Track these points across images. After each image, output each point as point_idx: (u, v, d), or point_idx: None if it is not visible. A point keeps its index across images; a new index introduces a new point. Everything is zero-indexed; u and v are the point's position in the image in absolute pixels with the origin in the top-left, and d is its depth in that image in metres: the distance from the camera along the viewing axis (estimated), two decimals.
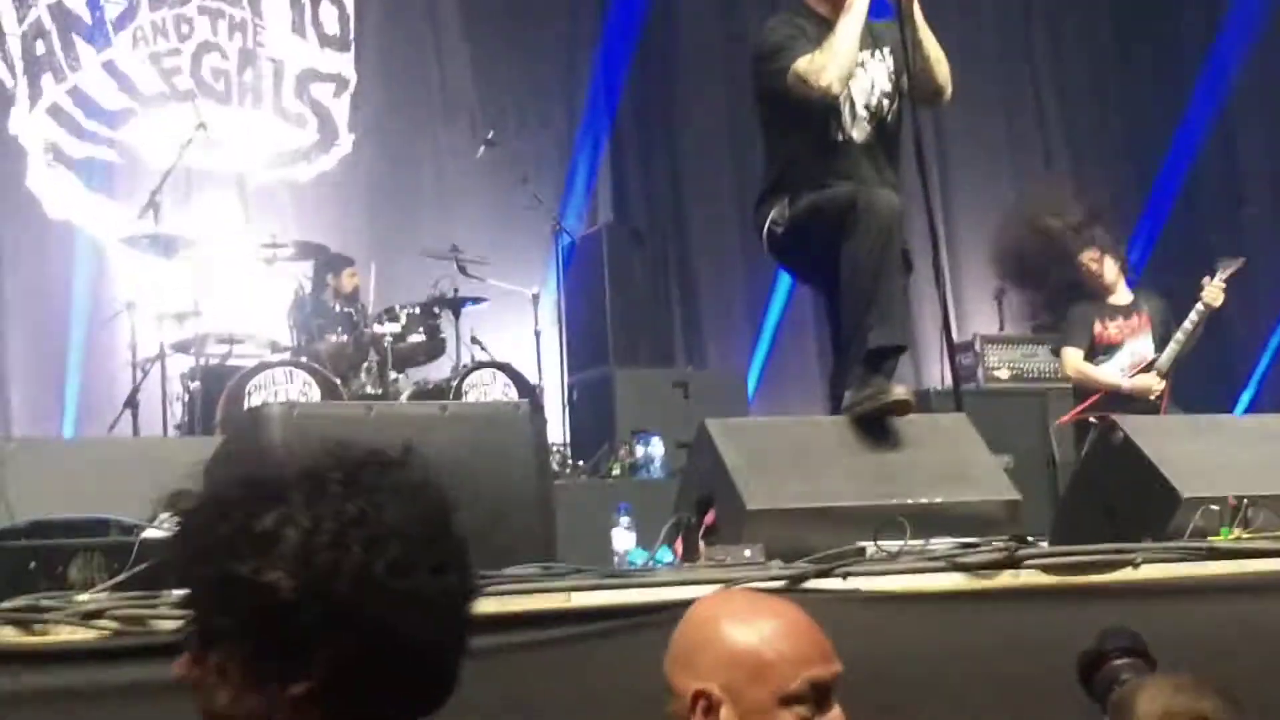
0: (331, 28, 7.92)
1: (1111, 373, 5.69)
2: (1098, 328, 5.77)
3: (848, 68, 3.77)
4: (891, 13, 3.86)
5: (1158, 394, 5.61)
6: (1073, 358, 5.79)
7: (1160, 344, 5.70)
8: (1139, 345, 5.73)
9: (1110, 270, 5.81)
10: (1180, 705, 1.84)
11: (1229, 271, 5.73)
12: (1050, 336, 7.31)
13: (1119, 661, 2.08)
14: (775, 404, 8.22)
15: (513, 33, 8.30)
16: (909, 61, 3.85)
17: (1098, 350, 5.77)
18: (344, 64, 7.93)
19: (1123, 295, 5.82)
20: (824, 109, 3.81)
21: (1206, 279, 5.70)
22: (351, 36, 7.95)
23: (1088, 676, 2.13)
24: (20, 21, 7.20)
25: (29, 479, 3.49)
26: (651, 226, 8.26)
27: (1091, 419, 5.31)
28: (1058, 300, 6.02)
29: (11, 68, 7.14)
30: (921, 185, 3.92)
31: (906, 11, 3.82)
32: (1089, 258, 5.81)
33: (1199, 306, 5.64)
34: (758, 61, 3.92)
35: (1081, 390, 5.83)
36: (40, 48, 7.25)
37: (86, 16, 7.33)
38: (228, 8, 7.65)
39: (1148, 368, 5.65)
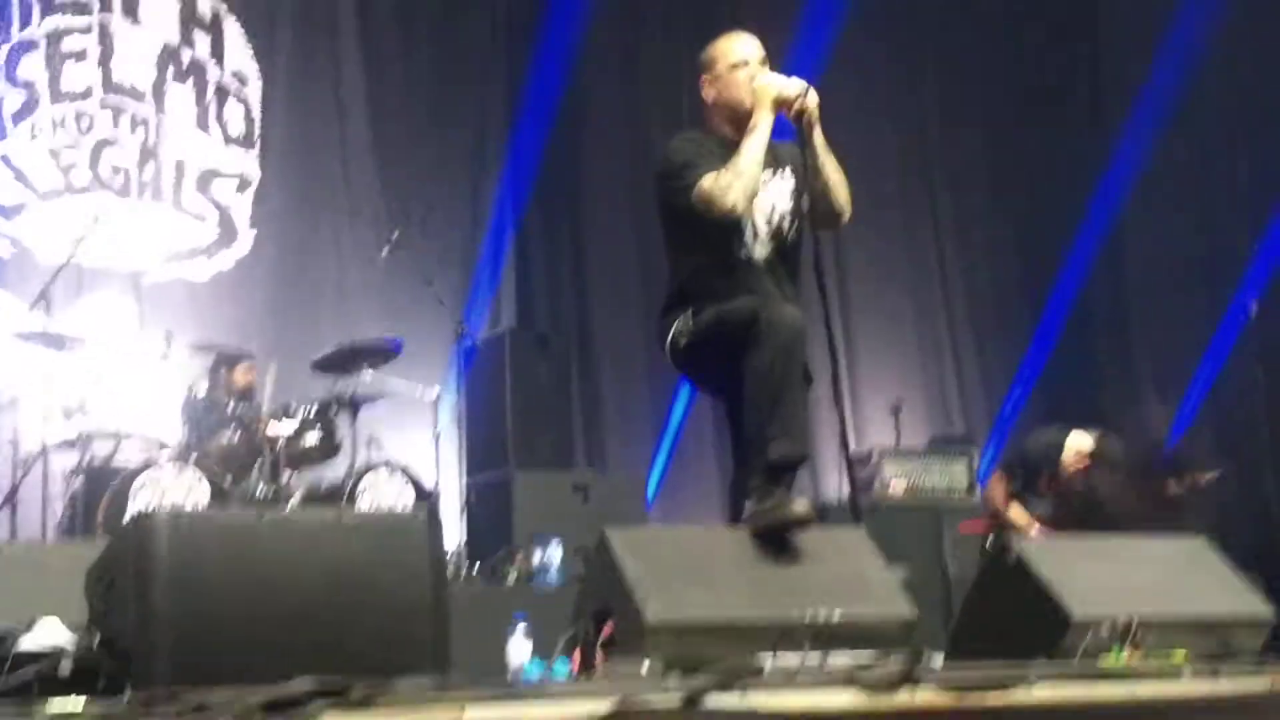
0: (236, 126, 7.90)
1: (1028, 519, 5.74)
2: (1043, 483, 5.84)
3: (752, 187, 3.82)
4: (793, 135, 3.94)
5: None
6: (1003, 488, 5.86)
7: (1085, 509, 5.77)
8: (1065, 504, 5.80)
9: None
10: None
11: (1203, 478, 5.83)
12: (945, 449, 7.44)
13: None
14: (675, 508, 8.25)
15: (420, 134, 8.36)
16: (809, 184, 3.92)
17: (1035, 489, 5.84)
18: (248, 162, 7.90)
19: None
20: (726, 226, 3.86)
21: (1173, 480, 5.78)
22: (256, 135, 7.94)
23: None
24: None
25: None
26: (555, 330, 8.29)
27: (990, 537, 5.41)
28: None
29: None
30: (821, 301, 3.96)
31: (807, 135, 3.88)
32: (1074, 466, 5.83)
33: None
34: (662, 179, 3.95)
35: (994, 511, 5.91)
36: None
37: None
38: (131, 103, 7.58)
39: (1066, 526, 5.69)
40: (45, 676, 2.64)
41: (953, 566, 6.18)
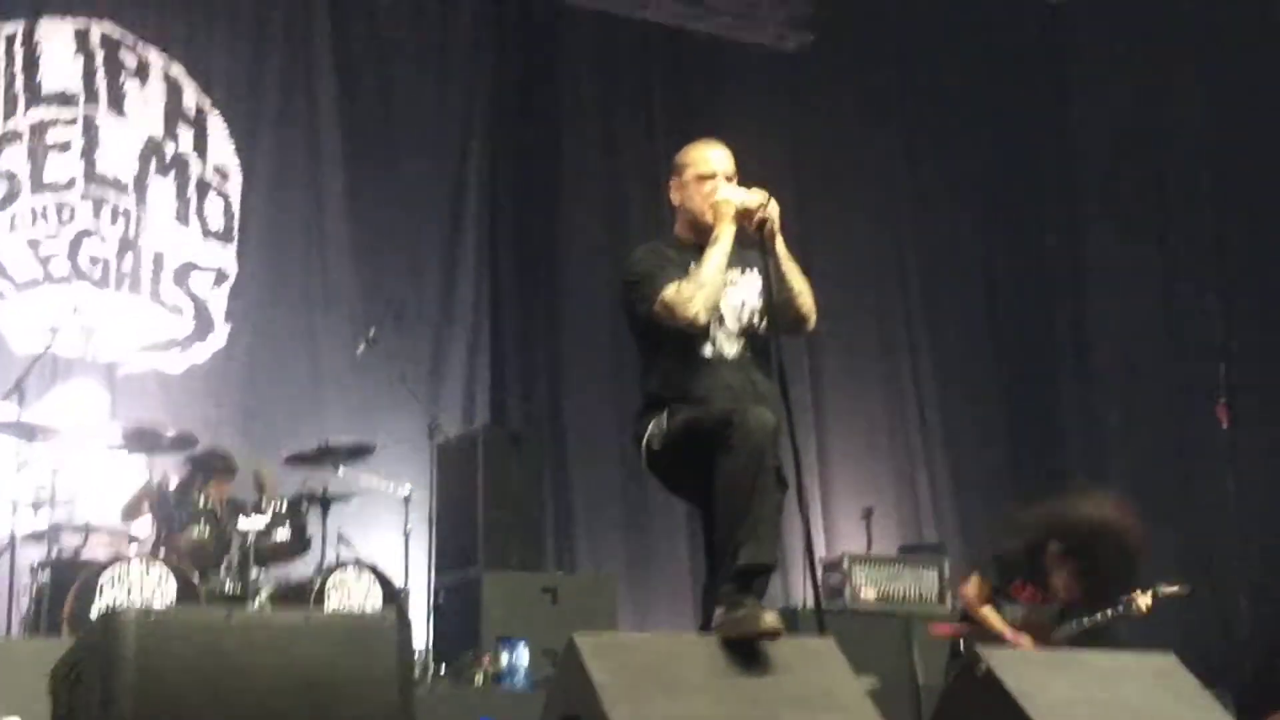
0: (216, 221, 7.95)
1: (1002, 623, 5.66)
2: (1017, 587, 5.73)
3: (714, 298, 3.86)
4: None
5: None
6: (978, 588, 5.79)
7: (1059, 616, 5.68)
8: (1038, 612, 5.73)
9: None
10: None
11: (1166, 594, 5.78)
12: (916, 557, 7.43)
13: None
14: (644, 609, 8.20)
15: (397, 232, 8.43)
16: (774, 292, 3.97)
17: (1004, 595, 5.75)
18: (226, 256, 7.94)
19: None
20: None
21: (1139, 592, 5.70)
22: (235, 229, 7.99)
23: None
24: None
25: None
26: (527, 429, 8.30)
27: (961, 643, 5.37)
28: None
29: None
30: (785, 407, 3.96)
31: (770, 245, 3.94)
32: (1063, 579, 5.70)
33: (1119, 609, 5.64)
34: (626, 289, 3.99)
35: (966, 612, 5.86)
36: None
37: None
38: (112, 195, 7.63)
39: (1039, 633, 5.63)
40: None
41: (922, 675, 6.13)
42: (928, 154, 9.90)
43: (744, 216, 3.92)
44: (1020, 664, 3.76)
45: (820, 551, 7.94)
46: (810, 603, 6.84)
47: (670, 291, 3.84)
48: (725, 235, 3.91)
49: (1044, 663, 3.97)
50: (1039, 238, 9.79)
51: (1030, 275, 9.80)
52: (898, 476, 9.34)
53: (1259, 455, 8.08)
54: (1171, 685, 3.84)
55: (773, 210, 3.91)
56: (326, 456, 6.58)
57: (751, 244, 4.03)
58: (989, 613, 5.74)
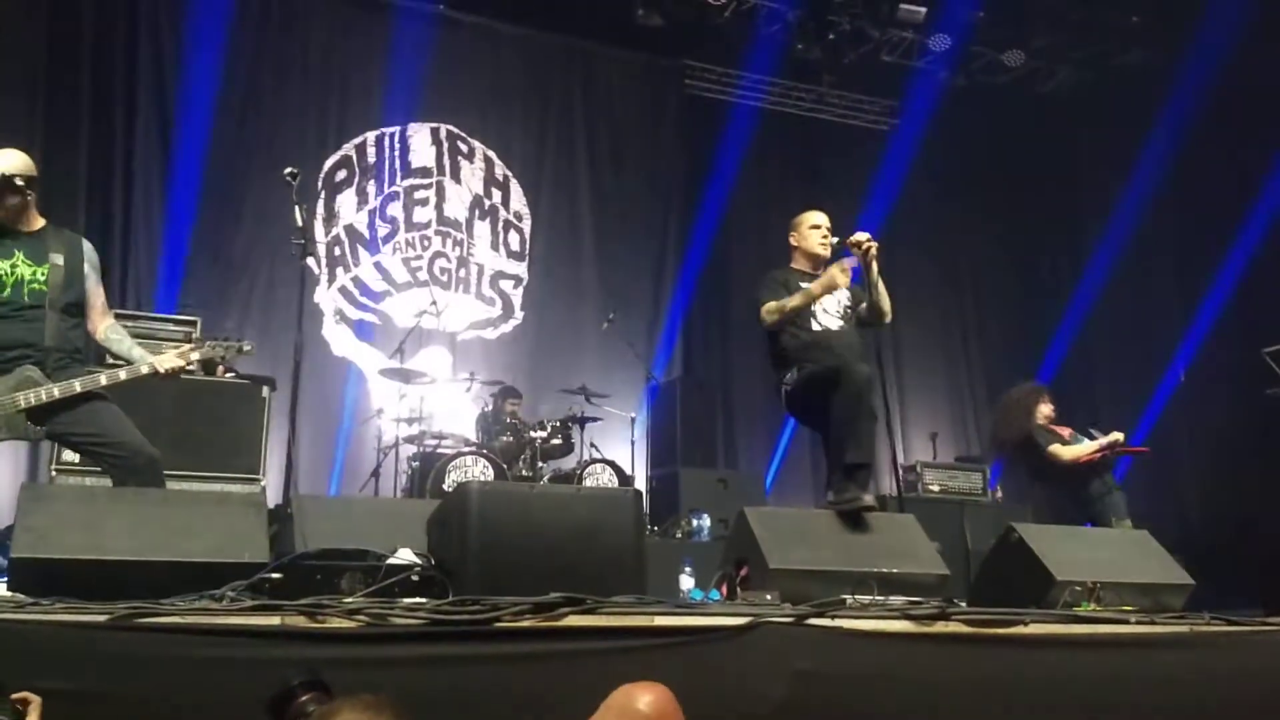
0: (515, 246, 8.12)
1: (1085, 446, 5.58)
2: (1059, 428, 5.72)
3: (786, 317, 4.02)
4: (856, 278, 4.02)
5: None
6: (1060, 450, 5.69)
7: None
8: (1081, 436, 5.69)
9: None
10: None
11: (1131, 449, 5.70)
12: (966, 464, 7.21)
13: (305, 696, 1.68)
14: (780, 497, 8.11)
15: (625, 253, 8.43)
16: (866, 298, 4.02)
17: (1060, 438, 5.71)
18: (521, 268, 8.10)
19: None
20: (804, 313, 4.01)
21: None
22: (527, 251, 8.15)
23: (280, 712, 1.67)
24: (326, 235, 7.53)
25: (312, 522, 3.48)
26: (708, 378, 8.27)
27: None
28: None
29: (319, 263, 7.41)
30: (879, 371, 3.95)
31: (866, 267, 3.97)
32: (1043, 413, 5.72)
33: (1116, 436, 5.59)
34: (756, 294, 4.13)
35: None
36: (337, 251, 7.53)
37: (366, 234, 7.62)
38: (453, 231, 7.88)
39: (1109, 447, 5.57)
40: (403, 582, 2.78)
41: (970, 542, 5.96)
42: (986, 217, 9.28)
43: (854, 246, 3.91)
44: (1039, 533, 3.64)
45: (901, 459, 7.73)
46: (893, 494, 6.69)
47: (765, 307, 3.97)
48: (817, 292, 3.95)
49: (1055, 534, 3.84)
50: (1052, 261, 9.15)
51: (1043, 281, 9.17)
52: (953, 410, 9.02)
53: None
54: (1144, 549, 3.67)
55: (873, 245, 3.90)
56: (583, 393, 6.74)
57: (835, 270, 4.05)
58: (1077, 449, 5.58)
